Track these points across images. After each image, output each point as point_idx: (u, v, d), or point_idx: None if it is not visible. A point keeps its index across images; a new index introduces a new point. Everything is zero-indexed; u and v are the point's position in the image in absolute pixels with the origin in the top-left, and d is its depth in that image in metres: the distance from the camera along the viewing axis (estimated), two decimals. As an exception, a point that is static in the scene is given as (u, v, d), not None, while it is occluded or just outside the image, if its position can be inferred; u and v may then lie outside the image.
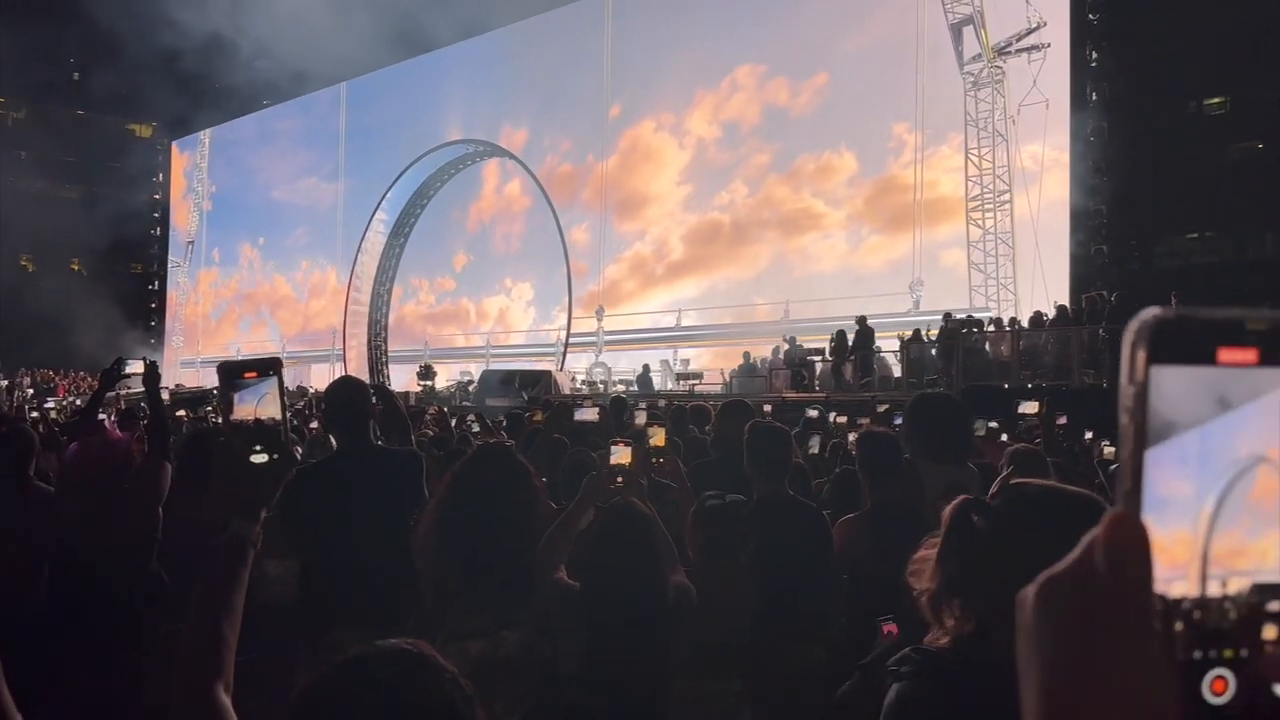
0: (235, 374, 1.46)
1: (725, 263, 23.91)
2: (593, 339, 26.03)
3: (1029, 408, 5.76)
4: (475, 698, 1.14)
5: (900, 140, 20.90)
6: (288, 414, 1.49)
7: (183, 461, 3.56)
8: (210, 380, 36.35)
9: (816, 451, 6.16)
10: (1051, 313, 16.19)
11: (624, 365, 24.57)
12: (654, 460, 3.44)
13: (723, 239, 23.99)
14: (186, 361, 39.25)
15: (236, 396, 1.45)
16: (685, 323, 24.56)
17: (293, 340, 34.88)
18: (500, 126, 29.09)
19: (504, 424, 8.16)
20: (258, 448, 1.42)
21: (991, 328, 16.67)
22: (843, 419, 8.02)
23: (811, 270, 22.12)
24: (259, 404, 1.44)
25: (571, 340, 26.69)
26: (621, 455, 2.82)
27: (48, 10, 33.34)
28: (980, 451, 4.80)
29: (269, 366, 1.48)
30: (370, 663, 1.12)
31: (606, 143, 26.53)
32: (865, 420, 7.21)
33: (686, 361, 23.66)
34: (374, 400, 3.84)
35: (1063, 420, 5.63)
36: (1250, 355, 0.44)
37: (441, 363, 29.15)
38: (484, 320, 29.20)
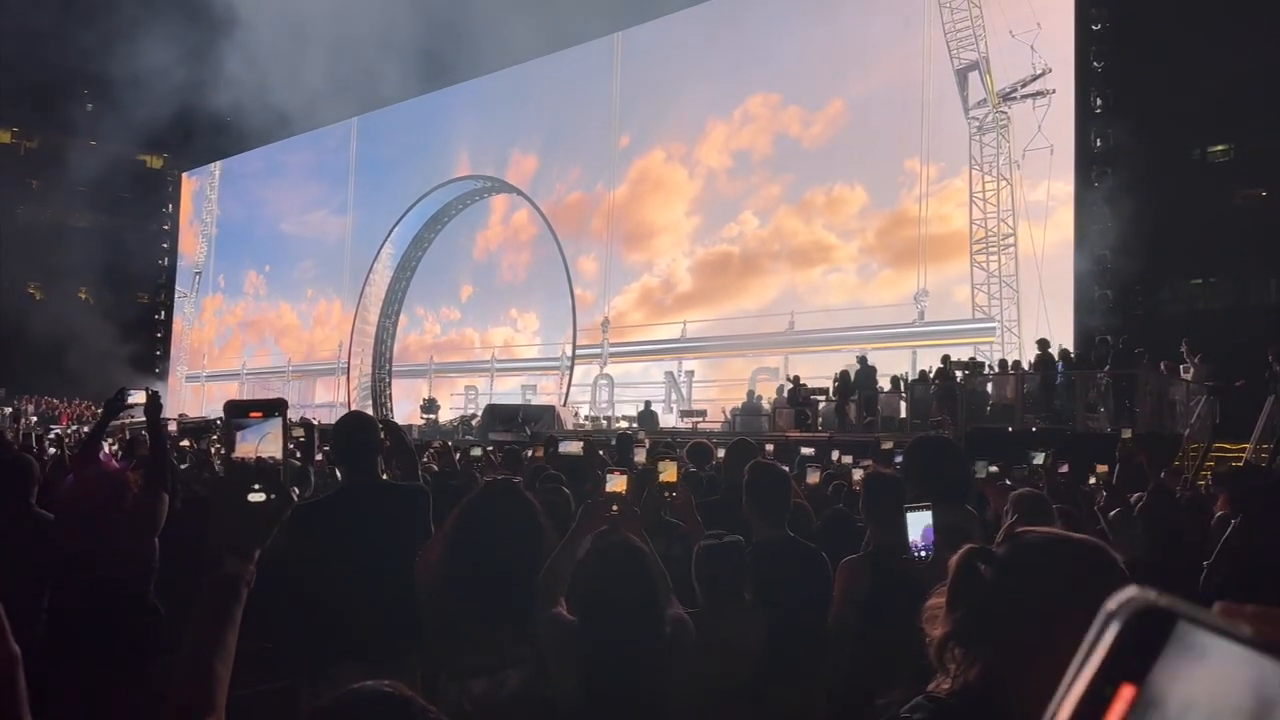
0: (240, 413, 1.48)
1: (734, 295, 23.91)
2: (597, 350, 26.08)
3: (1038, 459, 5.77)
4: None
5: (911, 175, 21.03)
6: (289, 455, 1.49)
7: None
8: (214, 397, 36.63)
9: (816, 481, 6.15)
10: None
11: (628, 376, 24.81)
12: (666, 495, 3.45)
13: (732, 271, 24.03)
14: (192, 376, 39.38)
15: (239, 435, 1.46)
16: (690, 333, 24.55)
17: (297, 360, 35.06)
18: (509, 154, 29.28)
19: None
20: (256, 486, 1.42)
21: (992, 364, 16.74)
22: (848, 458, 8.04)
23: (820, 303, 22.17)
24: (260, 443, 1.45)
25: (577, 352, 26.70)
26: (616, 484, 2.82)
27: (62, 42, 33.77)
28: (981, 494, 4.80)
29: (274, 408, 1.48)
30: (349, 708, 1.13)
31: (615, 172, 26.71)
32: (868, 462, 7.20)
33: (691, 373, 23.70)
34: (382, 435, 3.85)
35: (1065, 469, 5.63)
36: None
37: (446, 376, 29.40)
38: (488, 351, 29.25)
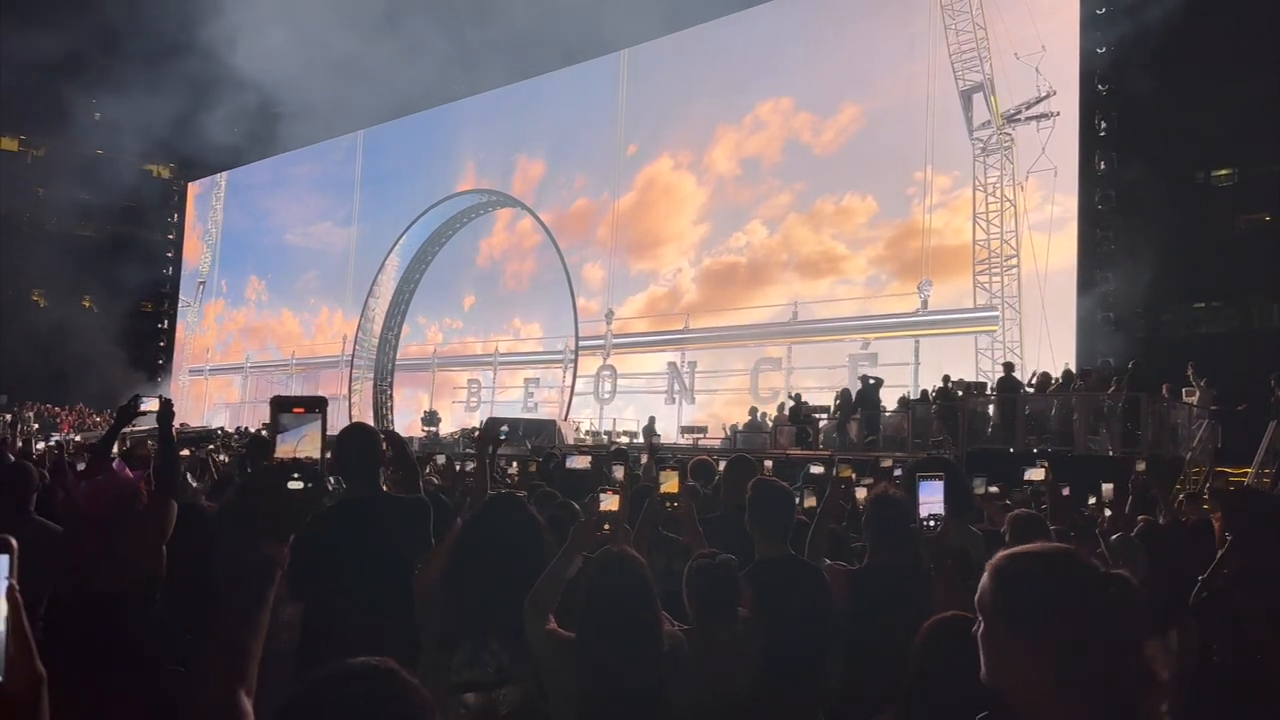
0: (285, 407, 1.62)
1: (741, 304, 23.92)
2: (600, 342, 26.13)
3: (1035, 474, 5.74)
4: (435, 707, 1.27)
5: (919, 188, 21.05)
6: (326, 453, 1.63)
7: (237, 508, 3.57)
8: (214, 400, 36.74)
9: (814, 504, 6.11)
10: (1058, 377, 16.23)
11: (631, 368, 25.15)
12: (668, 505, 3.44)
13: (739, 281, 24.01)
14: (195, 370, 39.50)
15: (279, 438, 1.60)
16: (694, 325, 24.61)
17: (301, 354, 35.26)
18: (515, 160, 29.38)
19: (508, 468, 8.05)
20: (295, 475, 1.58)
21: (993, 385, 16.76)
22: (849, 473, 7.97)
23: (827, 310, 22.21)
24: (299, 444, 1.60)
25: (581, 344, 26.74)
26: (609, 503, 2.81)
27: (70, 50, 33.94)
28: (980, 511, 4.79)
29: (316, 404, 1.64)
30: (343, 678, 1.25)
31: (622, 179, 26.78)
32: (870, 480, 7.16)
33: (694, 363, 23.75)
34: (384, 446, 3.84)
35: (1066, 491, 5.61)
36: None
37: (448, 370, 29.70)
38: (488, 372, 29.26)
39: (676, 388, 23.81)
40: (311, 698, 1.24)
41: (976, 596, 1.57)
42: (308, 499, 1.57)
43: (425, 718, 1.25)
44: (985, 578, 1.57)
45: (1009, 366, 16.57)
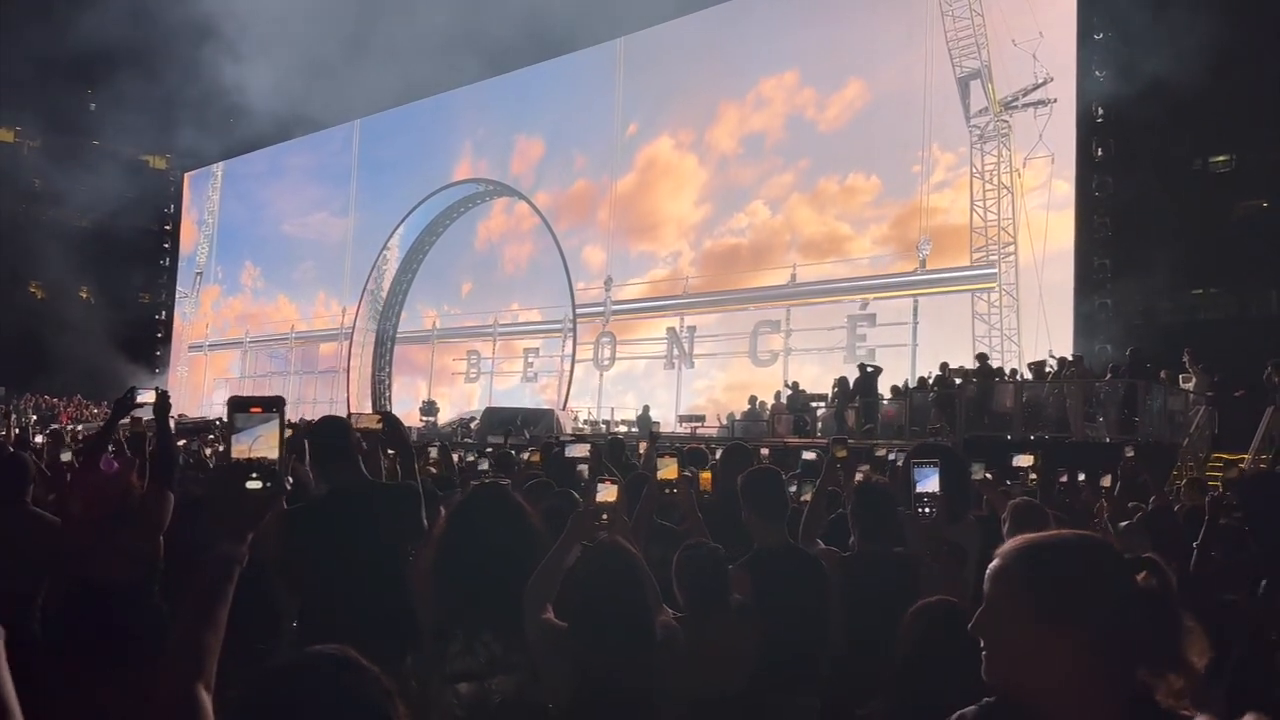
0: (242, 407, 1.61)
1: (741, 284, 23.90)
2: (599, 309, 26.14)
3: (1023, 460, 5.76)
4: (394, 693, 1.25)
5: (916, 176, 20.99)
6: (284, 453, 1.62)
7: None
8: (212, 390, 36.74)
9: (809, 499, 6.11)
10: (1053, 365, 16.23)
11: (630, 335, 25.39)
12: (666, 490, 3.45)
13: (740, 264, 23.92)
14: (195, 346, 39.52)
15: (234, 437, 1.58)
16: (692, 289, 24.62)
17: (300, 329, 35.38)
18: (514, 141, 29.26)
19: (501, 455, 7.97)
20: (253, 475, 1.57)
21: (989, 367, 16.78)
22: (844, 453, 7.95)
23: (827, 273, 22.20)
24: (254, 444, 1.59)
25: (580, 312, 26.73)
26: (607, 493, 2.82)
27: (67, 42, 33.80)
28: (980, 496, 4.81)
29: (273, 404, 1.62)
30: (297, 669, 1.25)
31: (622, 160, 26.67)
32: (866, 467, 7.15)
33: (694, 328, 23.74)
34: (379, 425, 3.86)
35: (1064, 479, 5.62)
36: None
37: (449, 342, 29.95)
38: (488, 345, 29.20)
39: (676, 353, 23.86)
40: (266, 691, 1.23)
41: (994, 583, 1.43)
42: (266, 498, 1.57)
43: (385, 705, 1.23)
44: (1008, 563, 1.42)
45: (982, 357, 16.60)
